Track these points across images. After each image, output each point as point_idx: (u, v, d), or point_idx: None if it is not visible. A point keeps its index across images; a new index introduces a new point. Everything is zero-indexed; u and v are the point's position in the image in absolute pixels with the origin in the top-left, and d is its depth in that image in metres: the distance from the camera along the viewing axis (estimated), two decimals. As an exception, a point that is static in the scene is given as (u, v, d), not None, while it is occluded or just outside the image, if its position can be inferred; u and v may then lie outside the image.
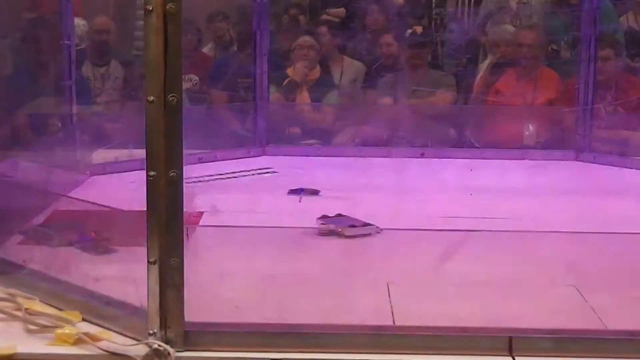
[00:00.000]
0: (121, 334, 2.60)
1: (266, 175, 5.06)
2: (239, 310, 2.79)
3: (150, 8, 2.40)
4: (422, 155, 5.55)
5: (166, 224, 2.47)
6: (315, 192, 4.52)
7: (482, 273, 3.19)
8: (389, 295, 2.95)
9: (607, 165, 5.39)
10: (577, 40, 5.90)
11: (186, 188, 2.50)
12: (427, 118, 6.05)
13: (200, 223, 3.64)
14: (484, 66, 6.54)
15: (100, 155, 5.00)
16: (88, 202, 3.72)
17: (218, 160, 5.30)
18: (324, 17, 7.02)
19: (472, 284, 3.09)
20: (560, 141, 5.76)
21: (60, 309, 2.75)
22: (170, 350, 2.48)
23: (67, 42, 4.68)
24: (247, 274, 3.15)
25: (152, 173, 2.45)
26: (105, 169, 4.90)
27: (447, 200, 4.33)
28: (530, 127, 5.86)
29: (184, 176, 2.47)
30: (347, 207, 4.03)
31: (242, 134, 5.84)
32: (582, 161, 5.54)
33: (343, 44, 6.77)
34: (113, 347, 2.52)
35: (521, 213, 4.10)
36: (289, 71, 6.33)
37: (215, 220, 3.60)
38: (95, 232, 3.33)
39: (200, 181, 4.53)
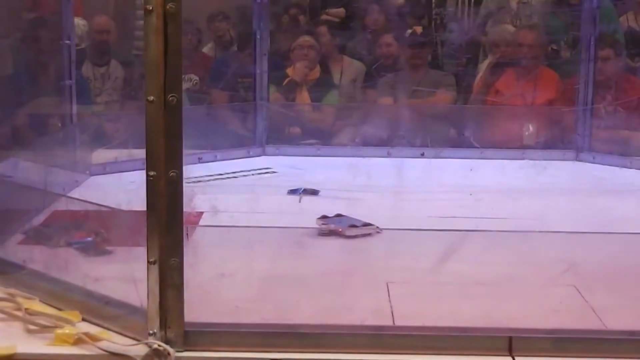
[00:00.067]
0: (121, 334, 2.60)
1: (266, 175, 5.06)
2: (238, 311, 2.79)
3: (151, 8, 2.40)
4: (422, 155, 5.55)
5: (166, 224, 2.47)
6: (314, 192, 4.52)
7: (482, 273, 3.19)
8: (389, 295, 2.95)
9: (607, 165, 5.39)
10: (577, 40, 5.91)
11: (186, 188, 2.50)
12: (427, 118, 6.04)
13: (200, 223, 3.64)
14: (484, 66, 6.54)
15: (100, 155, 5.00)
16: (88, 202, 3.72)
17: (218, 160, 5.30)
18: (324, 17, 7.02)
19: (472, 283, 3.10)
20: (560, 141, 5.76)
21: (60, 309, 2.75)
22: (170, 350, 2.48)
23: (67, 42, 4.68)
24: (246, 274, 3.15)
25: (152, 173, 2.45)
26: (105, 168, 4.90)
27: (447, 200, 4.33)
28: (530, 127, 5.86)
29: (183, 176, 2.47)
30: (347, 207, 4.03)
31: (242, 134, 5.83)
32: (582, 161, 5.54)
33: (343, 44, 6.77)
34: (113, 347, 2.52)
35: (521, 213, 4.10)
36: (289, 71, 6.33)
37: (215, 220, 3.60)
38: (95, 233, 3.33)
39: (200, 181, 4.53)
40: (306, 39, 6.50)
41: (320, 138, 5.89)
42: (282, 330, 2.58)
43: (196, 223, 3.57)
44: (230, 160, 5.35)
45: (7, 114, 4.27)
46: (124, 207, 3.21)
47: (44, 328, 2.64)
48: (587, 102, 5.58)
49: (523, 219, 3.98)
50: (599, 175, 5.23)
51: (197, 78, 6.49)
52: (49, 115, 4.85)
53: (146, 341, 2.50)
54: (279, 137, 5.78)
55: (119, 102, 6.38)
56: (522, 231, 3.62)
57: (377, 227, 3.68)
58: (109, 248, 3.26)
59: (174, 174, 2.45)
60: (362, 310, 2.83)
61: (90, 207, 3.62)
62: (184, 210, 2.50)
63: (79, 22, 6.08)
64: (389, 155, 5.49)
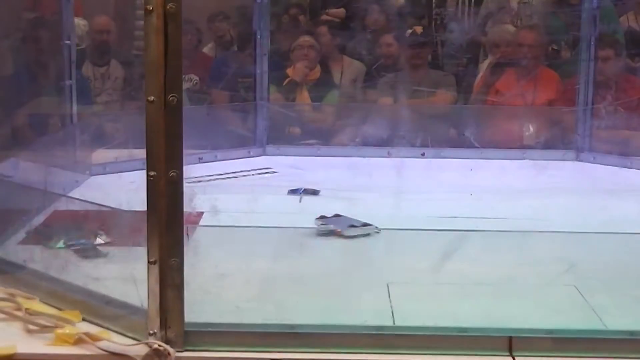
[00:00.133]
0: (121, 334, 2.60)
1: (266, 175, 5.06)
2: (239, 311, 2.79)
3: (151, 8, 2.40)
4: (423, 155, 5.55)
5: (166, 224, 2.47)
6: (315, 192, 4.52)
7: (482, 273, 3.19)
8: (389, 296, 2.95)
9: (607, 165, 5.39)
10: (577, 41, 5.90)
11: (186, 188, 2.50)
12: (427, 118, 6.04)
13: (201, 223, 3.64)
14: (484, 66, 6.54)
15: (101, 155, 5.00)
16: (88, 202, 3.72)
17: (218, 160, 5.30)
18: (324, 17, 7.02)
19: (472, 283, 3.10)
20: (561, 141, 5.76)
21: (60, 309, 2.76)
22: (170, 350, 2.48)
23: (67, 42, 4.68)
24: (247, 274, 3.15)
25: (152, 173, 2.45)
26: (106, 169, 4.91)
27: (447, 200, 4.33)
28: (531, 127, 5.86)
29: (184, 176, 2.47)
30: (347, 207, 4.03)
31: (242, 134, 5.83)
32: (582, 161, 5.54)
33: (343, 44, 6.77)
34: (113, 347, 2.52)
35: (521, 213, 4.10)
36: (289, 71, 6.33)
37: (216, 220, 3.60)
38: (94, 234, 3.33)
39: (200, 181, 4.53)
40: (306, 39, 6.50)
41: (320, 138, 5.89)
42: (283, 330, 2.58)
43: (196, 223, 3.57)
44: (231, 160, 5.35)
45: (7, 114, 4.27)
46: (125, 207, 3.20)
47: (44, 328, 2.64)
48: (587, 102, 5.59)
49: (523, 219, 3.98)
50: (599, 175, 5.23)
51: (197, 78, 6.49)
52: (49, 115, 4.85)
53: (146, 341, 2.50)
54: (279, 137, 5.78)
55: (119, 102, 6.38)
56: (522, 231, 3.62)
57: (376, 227, 3.68)
58: (104, 250, 3.24)
59: (174, 174, 2.45)
60: (363, 310, 2.83)
61: (91, 207, 3.62)
62: (184, 210, 2.51)
63: (79, 22, 6.08)
64: (389, 155, 5.49)
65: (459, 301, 2.94)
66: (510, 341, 2.54)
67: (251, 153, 5.57)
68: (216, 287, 2.93)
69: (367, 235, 3.65)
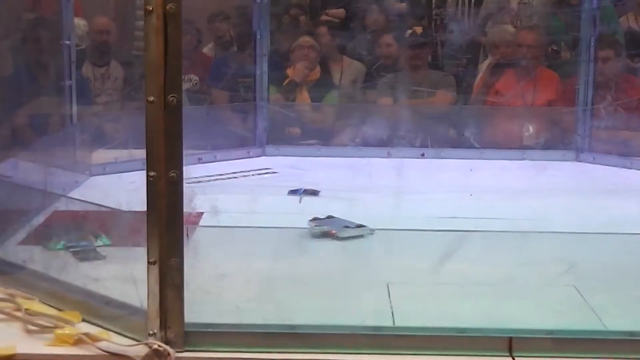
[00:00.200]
0: (121, 334, 2.60)
1: (266, 175, 5.06)
2: (239, 311, 2.79)
3: (151, 8, 2.40)
4: (422, 156, 5.55)
5: (166, 224, 2.47)
6: (315, 193, 4.52)
7: (482, 273, 3.19)
8: (389, 296, 2.95)
9: (607, 165, 5.39)
10: (577, 41, 5.90)
11: (186, 188, 2.50)
12: (427, 118, 6.04)
13: (200, 223, 3.64)
14: (484, 67, 6.54)
15: (100, 156, 5.00)
16: (88, 202, 3.72)
17: (218, 161, 5.30)
18: (324, 17, 7.02)
19: (472, 284, 3.09)
20: (560, 141, 5.76)
21: (60, 310, 2.75)
22: (170, 350, 2.48)
23: (67, 42, 4.68)
24: (247, 274, 3.15)
25: (152, 173, 2.45)
26: (105, 169, 4.91)
27: (447, 201, 4.33)
28: (530, 128, 5.86)
29: (183, 176, 2.47)
30: (347, 207, 4.03)
31: (242, 134, 5.83)
32: (582, 162, 5.54)
33: (343, 44, 6.77)
34: (113, 348, 2.52)
35: (521, 213, 4.10)
36: (289, 71, 6.33)
37: (215, 221, 3.60)
38: (94, 236, 3.32)
39: (200, 181, 4.53)
40: (306, 39, 6.50)
41: (320, 138, 5.89)
42: (283, 330, 2.58)
43: (196, 223, 3.57)
44: (231, 161, 5.35)
45: (7, 114, 4.27)
46: (124, 208, 3.20)
47: (44, 328, 2.64)
48: (587, 102, 5.59)
49: (523, 220, 3.98)
50: (599, 175, 5.23)
51: (197, 78, 6.49)
52: (49, 115, 4.85)
53: (146, 341, 2.50)
54: (279, 137, 5.78)
55: (119, 102, 6.38)
56: (522, 231, 3.61)
57: (370, 228, 3.67)
58: (103, 252, 3.24)
59: (174, 174, 2.45)
60: (362, 310, 2.83)
61: (91, 208, 3.62)
62: (184, 210, 2.51)
63: (79, 22, 6.08)
64: (389, 156, 5.49)
65: (459, 301, 2.94)
66: (510, 341, 2.54)
67: (251, 153, 5.57)
68: (216, 288, 2.93)
69: (361, 236, 3.63)
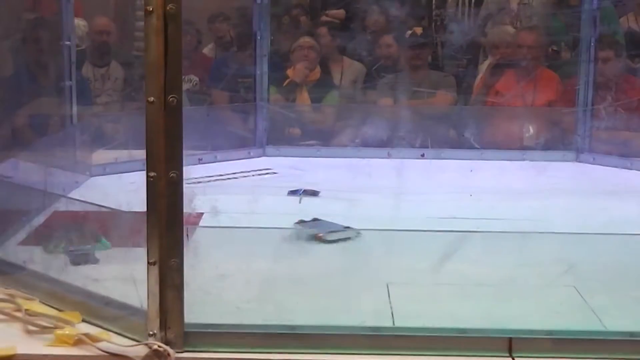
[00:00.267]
0: (121, 334, 2.60)
1: (266, 176, 5.06)
2: (239, 311, 2.79)
3: (151, 9, 2.41)
4: (422, 156, 5.55)
5: (166, 225, 2.47)
6: (315, 193, 4.52)
7: (482, 274, 3.19)
8: (389, 296, 2.95)
9: (607, 166, 5.39)
10: (577, 41, 5.90)
11: (186, 189, 2.50)
12: (427, 119, 6.05)
13: (200, 224, 3.64)
14: (484, 67, 6.55)
15: (101, 156, 5.00)
16: (88, 202, 3.72)
17: (218, 161, 5.30)
18: (324, 18, 7.02)
19: (472, 284, 3.10)
20: (561, 142, 5.76)
21: (60, 310, 2.76)
22: (170, 351, 2.48)
23: (67, 42, 4.68)
24: (247, 274, 3.15)
25: (152, 174, 2.45)
26: (105, 169, 4.91)
27: (447, 201, 4.33)
28: (531, 128, 5.86)
29: (184, 177, 2.47)
30: (347, 207, 4.03)
31: (242, 134, 5.83)
32: (582, 162, 5.54)
33: (343, 44, 6.77)
34: (113, 348, 2.52)
35: (521, 214, 4.10)
36: (289, 72, 6.33)
37: (215, 221, 3.60)
38: (93, 239, 3.31)
39: (200, 182, 4.53)
40: (306, 39, 6.51)
41: (320, 139, 5.89)
42: (283, 331, 2.58)
43: (196, 224, 3.57)
44: (231, 161, 5.35)
45: (7, 115, 4.27)
46: (124, 208, 3.20)
47: (44, 329, 2.64)
48: (587, 103, 5.58)
49: (523, 220, 3.98)
50: (599, 176, 5.23)
51: (197, 79, 6.50)
52: (49, 115, 4.85)
53: (146, 342, 2.50)
54: (279, 137, 5.78)
55: (119, 103, 6.38)
56: (522, 232, 3.61)
57: (357, 230, 3.63)
58: (97, 256, 3.23)
59: (174, 174, 2.45)
60: (363, 311, 2.83)
61: (91, 208, 3.62)
62: (184, 211, 2.51)
63: (79, 23, 6.08)
64: (389, 156, 5.49)
65: (459, 302, 2.94)
66: (510, 342, 2.54)
67: (251, 154, 5.57)
68: (216, 288, 2.93)
69: (348, 239, 3.60)
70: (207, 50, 7.03)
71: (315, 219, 3.79)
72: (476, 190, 4.49)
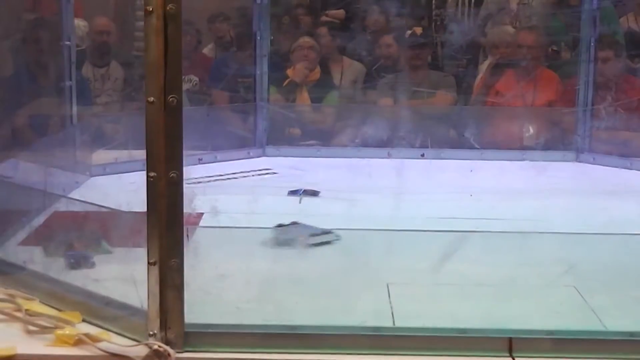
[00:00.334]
0: (121, 334, 2.60)
1: (266, 176, 5.06)
2: (239, 311, 2.79)
3: (151, 9, 2.41)
4: (422, 156, 5.55)
5: (166, 225, 2.47)
6: (315, 193, 4.52)
7: (482, 274, 3.19)
8: (389, 296, 2.95)
9: (607, 166, 5.40)
10: (577, 41, 5.90)
11: (186, 189, 2.50)
12: (427, 119, 6.05)
13: (201, 224, 3.64)
14: (484, 67, 6.55)
15: (101, 156, 5.00)
16: (88, 203, 3.72)
17: (218, 161, 5.30)
18: (324, 18, 7.02)
19: (472, 284, 3.10)
20: (561, 142, 5.76)
21: (60, 310, 2.76)
22: (171, 351, 2.48)
23: (67, 42, 4.68)
24: (247, 275, 3.15)
25: (152, 174, 2.45)
26: (106, 169, 4.91)
27: (447, 201, 4.33)
28: (530, 128, 5.86)
29: (184, 177, 2.47)
30: (347, 208, 4.03)
31: (242, 134, 5.83)
32: (582, 162, 5.54)
33: (343, 45, 6.77)
34: (113, 348, 2.52)
35: (521, 214, 4.10)
36: (289, 72, 6.33)
37: (216, 221, 3.60)
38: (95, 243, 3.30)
39: (200, 182, 4.53)
40: (306, 39, 6.51)
41: (320, 139, 5.89)
42: (283, 331, 2.58)
43: (196, 224, 3.57)
44: (231, 161, 5.35)
45: (7, 115, 4.27)
46: (125, 208, 3.20)
47: (44, 329, 2.64)
48: (587, 103, 5.59)
49: (523, 220, 3.98)
50: (599, 176, 5.24)
51: (197, 79, 6.49)
52: (49, 116, 4.85)
53: (146, 342, 2.50)
54: (279, 138, 5.78)
55: (119, 103, 6.38)
56: (522, 232, 3.61)
57: (336, 234, 3.57)
58: (93, 260, 3.22)
59: (174, 175, 2.45)
60: (363, 311, 2.83)
61: (91, 208, 3.62)
62: (184, 211, 2.51)
63: (79, 23, 6.08)
64: (389, 156, 5.49)
65: (459, 302, 2.94)
66: (510, 342, 2.54)
67: (251, 154, 5.57)
68: (216, 288, 2.93)
69: (328, 243, 3.55)
70: (207, 50, 7.03)
71: (294, 223, 3.71)
72: (476, 190, 4.49)
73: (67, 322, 2.65)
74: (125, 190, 3.63)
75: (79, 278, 2.95)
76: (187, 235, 2.68)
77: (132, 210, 3.01)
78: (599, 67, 5.60)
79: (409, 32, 6.76)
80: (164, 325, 2.51)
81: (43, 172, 4.14)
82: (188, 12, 2.44)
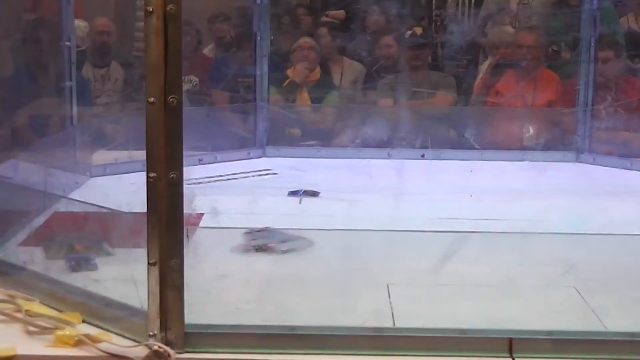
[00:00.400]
0: (121, 335, 2.60)
1: (266, 176, 5.06)
2: (239, 312, 2.79)
3: (151, 9, 2.41)
4: (422, 157, 5.55)
5: (166, 225, 2.47)
6: (315, 194, 4.52)
7: (482, 274, 3.19)
8: (389, 297, 2.95)
9: (607, 166, 5.39)
10: (577, 42, 5.90)
11: (186, 189, 2.50)
12: (427, 119, 6.05)
13: (201, 224, 3.64)
14: (484, 67, 6.55)
15: (101, 157, 5.00)
16: (88, 203, 3.72)
17: (218, 162, 5.30)
18: (324, 18, 7.02)
19: (472, 285, 3.10)
20: (561, 142, 5.76)
21: (60, 311, 2.76)
22: (171, 351, 2.48)
23: (67, 43, 4.68)
24: (247, 275, 3.15)
25: (152, 174, 2.45)
26: (106, 170, 4.91)
27: (447, 202, 4.33)
28: (531, 129, 5.86)
29: (184, 177, 2.47)
30: (347, 208, 4.03)
31: (242, 135, 5.83)
32: (582, 162, 5.54)
33: (343, 45, 6.77)
34: (113, 349, 2.52)
35: (521, 214, 4.10)
36: (289, 72, 6.33)
37: (216, 222, 3.60)
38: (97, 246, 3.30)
39: (200, 182, 4.53)
40: (306, 40, 6.51)
41: (320, 139, 5.89)
42: (283, 331, 2.58)
43: (196, 224, 3.57)
44: (231, 162, 5.35)
45: (7, 115, 4.27)
46: (125, 209, 3.20)
47: (44, 329, 2.64)
48: (587, 103, 5.58)
49: (523, 221, 3.98)
50: (599, 176, 5.23)
51: (198, 79, 6.49)
52: (49, 116, 4.85)
53: (146, 342, 2.50)
54: (279, 138, 5.78)
55: (119, 103, 6.38)
56: (522, 232, 3.62)
57: (309, 240, 3.54)
58: (95, 262, 3.21)
59: (175, 175, 2.45)
60: (363, 311, 2.83)
61: (91, 209, 3.62)
62: (184, 211, 2.51)
63: (79, 23, 6.08)
64: (389, 157, 5.49)
65: (459, 302, 2.94)
66: (511, 342, 2.54)
67: (251, 154, 5.57)
68: (216, 289, 2.93)
69: (300, 249, 3.50)
70: (207, 50, 7.03)
71: (265, 228, 3.65)
72: (476, 190, 4.49)
73: (67, 323, 2.65)
74: (125, 190, 3.63)
75: (79, 279, 2.94)
76: (187, 236, 2.68)
77: (132, 210, 3.01)
78: (599, 67, 5.60)
79: (409, 32, 6.75)
80: (164, 326, 2.51)
81: (43, 172, 4.14)
82: (188, 12, 2.44)
